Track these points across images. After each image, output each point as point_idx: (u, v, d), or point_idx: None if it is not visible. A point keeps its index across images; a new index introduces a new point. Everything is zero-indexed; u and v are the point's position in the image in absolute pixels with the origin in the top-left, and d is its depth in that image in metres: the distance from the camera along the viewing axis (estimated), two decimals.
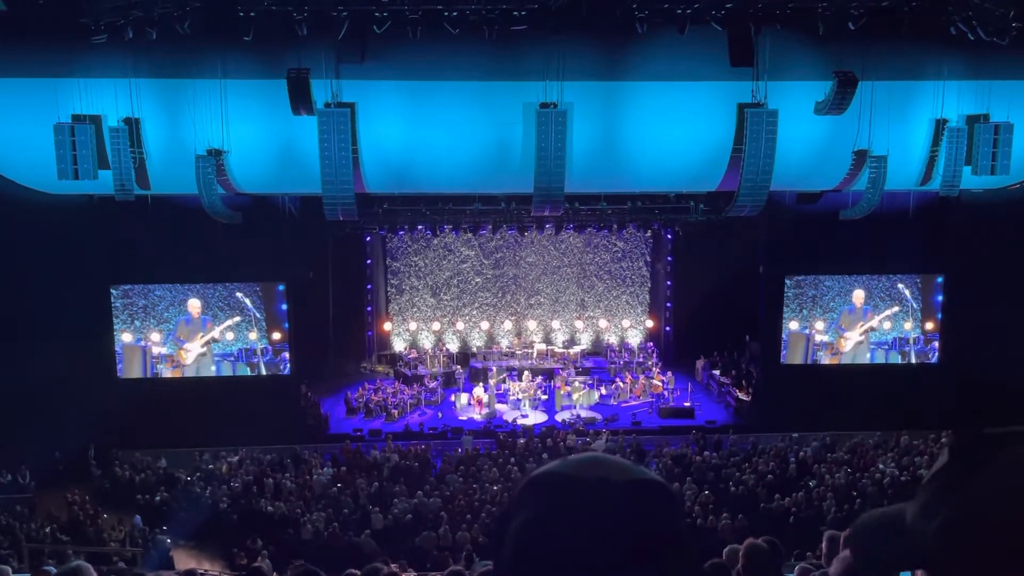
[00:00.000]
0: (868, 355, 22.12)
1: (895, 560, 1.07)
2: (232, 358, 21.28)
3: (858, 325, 22.00)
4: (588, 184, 19.28)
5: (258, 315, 21.16)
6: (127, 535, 16.03)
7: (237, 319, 21.17)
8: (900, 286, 21.93)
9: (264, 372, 21.27)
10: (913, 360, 22.01)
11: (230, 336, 21.25)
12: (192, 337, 21.17)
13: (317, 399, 22.70)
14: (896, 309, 22.02)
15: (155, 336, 21.01)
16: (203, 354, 21.18)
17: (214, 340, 21.17)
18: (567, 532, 1.00)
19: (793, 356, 21.92)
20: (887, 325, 22.01)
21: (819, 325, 22.03)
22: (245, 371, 21.28)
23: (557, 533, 1.00)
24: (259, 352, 21.22)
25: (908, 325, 21.99)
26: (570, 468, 1.06)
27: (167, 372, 21.05)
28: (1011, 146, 16.96)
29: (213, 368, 21.27)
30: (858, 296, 22.10)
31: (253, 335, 21.21)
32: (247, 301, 21.14)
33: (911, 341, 22.02)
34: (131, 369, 20.92)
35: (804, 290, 21.96)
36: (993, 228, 19.55)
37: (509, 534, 1.04)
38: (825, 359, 21.96)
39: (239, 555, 15.17)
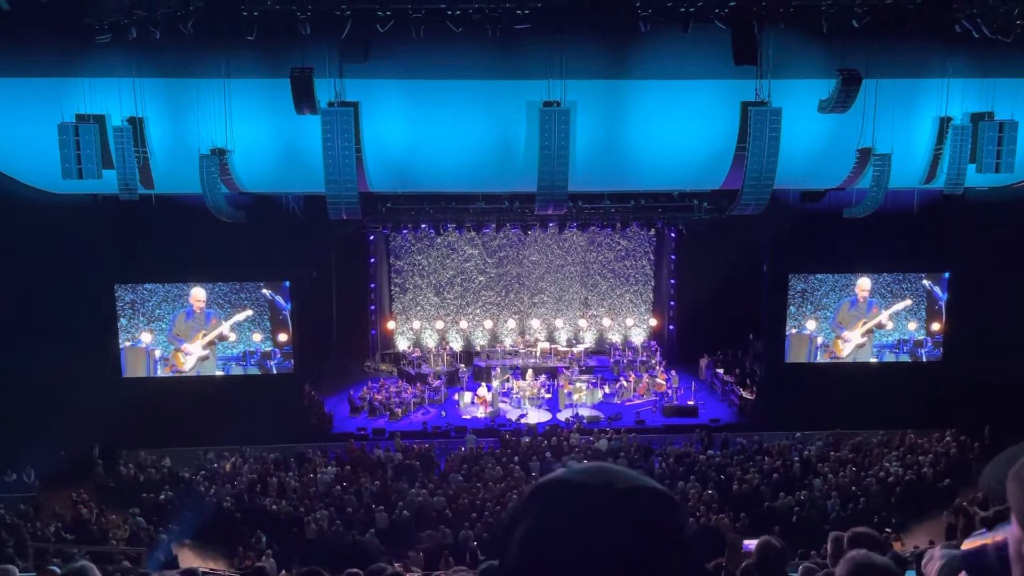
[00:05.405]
0: (871, 358, 21.39)
1: None
2: (242, 362, 20.84)
3: (859, 323, 21.28)
4: (591, 183, 19.25)
5: (286, 313, 20.87)
6: (131, 534, 16.07)
7: (249, 312, 20.61)
8: (926, 282, 21.31)
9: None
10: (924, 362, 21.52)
11: (232, 337, 20.67)
12: (192, 336, 20.61)
13: (321, 398, 22.71)
14: (908, 303, 21.08)
15: (146, 336, 20.50)
16: (205, 357, 20.59)
17: (221, 339, 20.56)
18: (570, 538, 1.01)
19: (796, 359, 21.64)
20: (890, 325, 21.34)
21: (811, 324, 21.31)
22: (256, 374, 20.98)
23: (561, 539, 1.01)
24: (270, 355, 20.81)
25: (913, 326, 21.45)
26: (575, 475, 1.08)
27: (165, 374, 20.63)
28: (1016, 144, 16.89)
29: (220, 372, 20.80)
30: (863, 287, 21.10)
31: (257, 337, 20.89)
32: (279, 298, 20.84)
33: (920, 344, 21.34)
34: (135, 371, 20.73)
35: (793, 284, 21.37)
36: (997, 226, 19.50)
37: (514, 541, 1.05)
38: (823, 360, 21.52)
39: (243, 554, 15.21)
